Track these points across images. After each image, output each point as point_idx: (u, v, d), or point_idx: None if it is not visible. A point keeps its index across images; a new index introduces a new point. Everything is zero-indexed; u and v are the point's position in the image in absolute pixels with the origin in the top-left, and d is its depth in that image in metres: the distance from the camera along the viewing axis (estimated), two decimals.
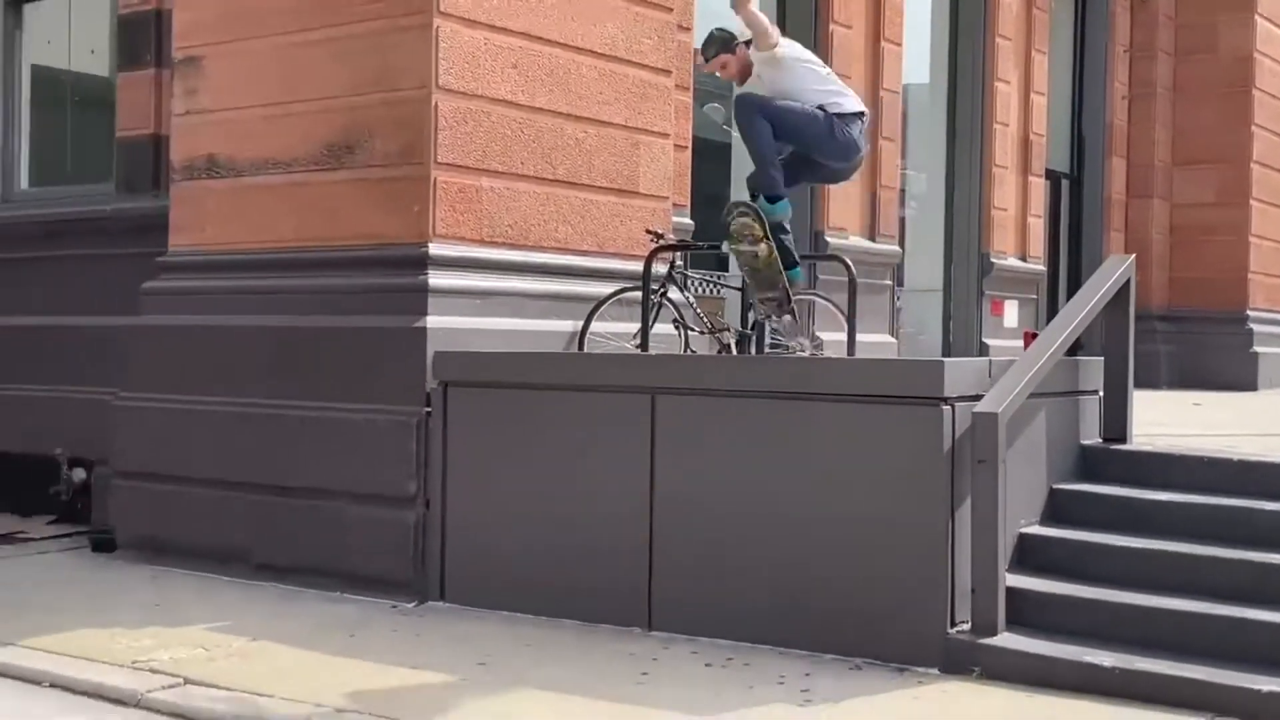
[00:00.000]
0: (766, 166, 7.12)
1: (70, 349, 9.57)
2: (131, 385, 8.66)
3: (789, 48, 7.24)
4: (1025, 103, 15.25)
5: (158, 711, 5.54)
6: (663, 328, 8.44)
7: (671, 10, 9.24)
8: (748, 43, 7.14)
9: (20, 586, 8.01)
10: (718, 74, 7.52)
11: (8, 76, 11.03)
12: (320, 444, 7.70)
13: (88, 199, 10.17)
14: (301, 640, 6.55)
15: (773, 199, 7.14)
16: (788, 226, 7.54)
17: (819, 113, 7.09)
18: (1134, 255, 7.57)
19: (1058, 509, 6.70)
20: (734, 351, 8.71)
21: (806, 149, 7.47)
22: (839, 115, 7.11)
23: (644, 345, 8.13)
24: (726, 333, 9.07)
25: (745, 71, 7.30)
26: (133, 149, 9.60)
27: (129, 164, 9.66)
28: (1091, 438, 7.22)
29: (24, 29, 11.06)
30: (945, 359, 6.86)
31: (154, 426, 8.44)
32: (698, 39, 10.32)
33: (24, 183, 11.06)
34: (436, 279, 7.59)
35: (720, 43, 7.29)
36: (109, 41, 10.36)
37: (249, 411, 7.97)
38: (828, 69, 7.51)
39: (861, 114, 7.36)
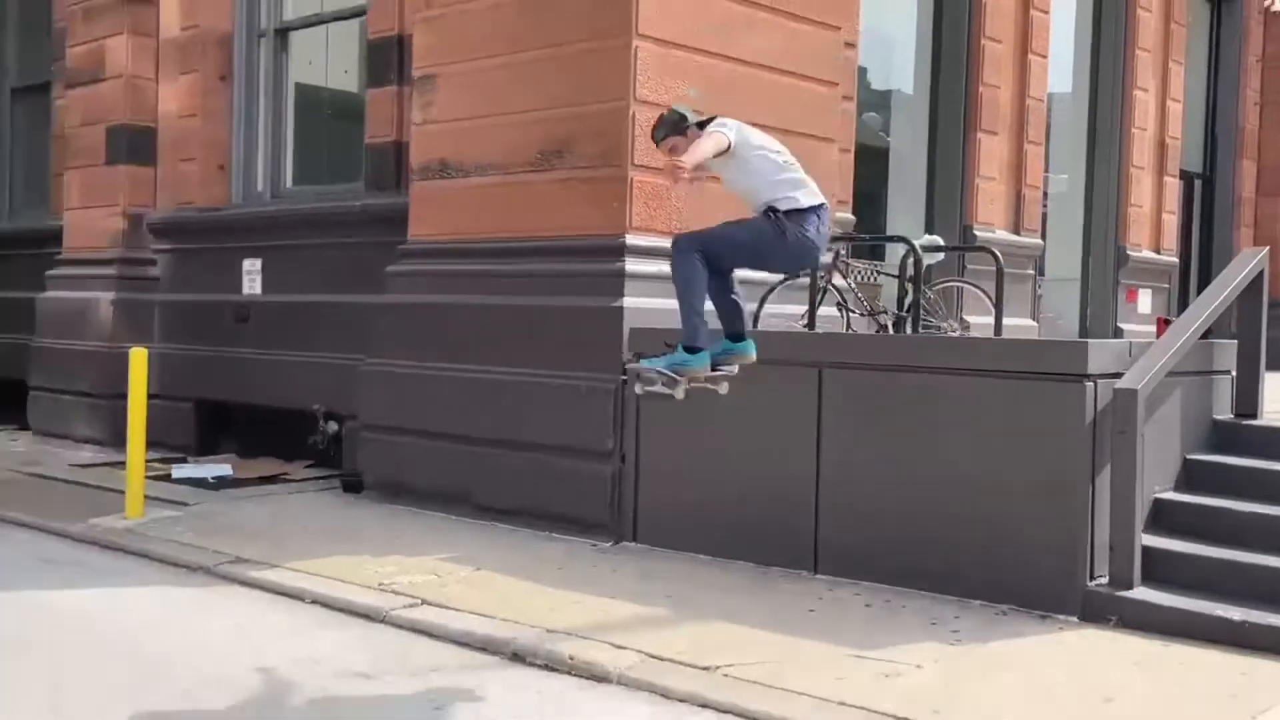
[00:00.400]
0: (689, 314, 5.42)
1: (326, 321, 9.83)
2: (377, 352, 8.88)
3: (740, 140, 5.40)
4: (1162, 109, 14.61)
5: (399, 627, 5.74)
6: (827, 310, 8.34)
7: (839, 29, 9.06)
8: (700, 124, 5.46)
9: (284, 518, 8.34)
10: (667, 156, 5.65)
11: (277, 92, 11.37)
12: (533, 405, 7.79)
13: (341, 195, 10.41)
14: (517, 571, 6.69)
15: (692, 349, 5.38)
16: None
17: (765, 222, 5.40)
18: (1267, 248, 7.22)
19: (1191, 476, 6.46)
20: (890, 331, 8.55)
21: (759, 266, 6.11)
22: (790, 212, 5.36)
23: (811, 325, 8.04)
24: (884, 314, 8.93)
25: None
26: (378, 153, 9.78)
27: (375, 166, 9.85)
28: (1224, 413, 6.93)
29: (289, 53, 11.38)
30: (1089, 340, 6.59)
31: (395, 387, 8.65)
32: (863, 55, 10.17)
33: (289, 182, 11.38)
34: (632, 265, 7.60)
35: (670, 125, 5.56)
36: (359, 63, 10.58)
37: (473, 376, 8.11)
38: (785, 155, 5.62)
39: (818, 207, 5.48)
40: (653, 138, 5.67)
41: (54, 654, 5.46)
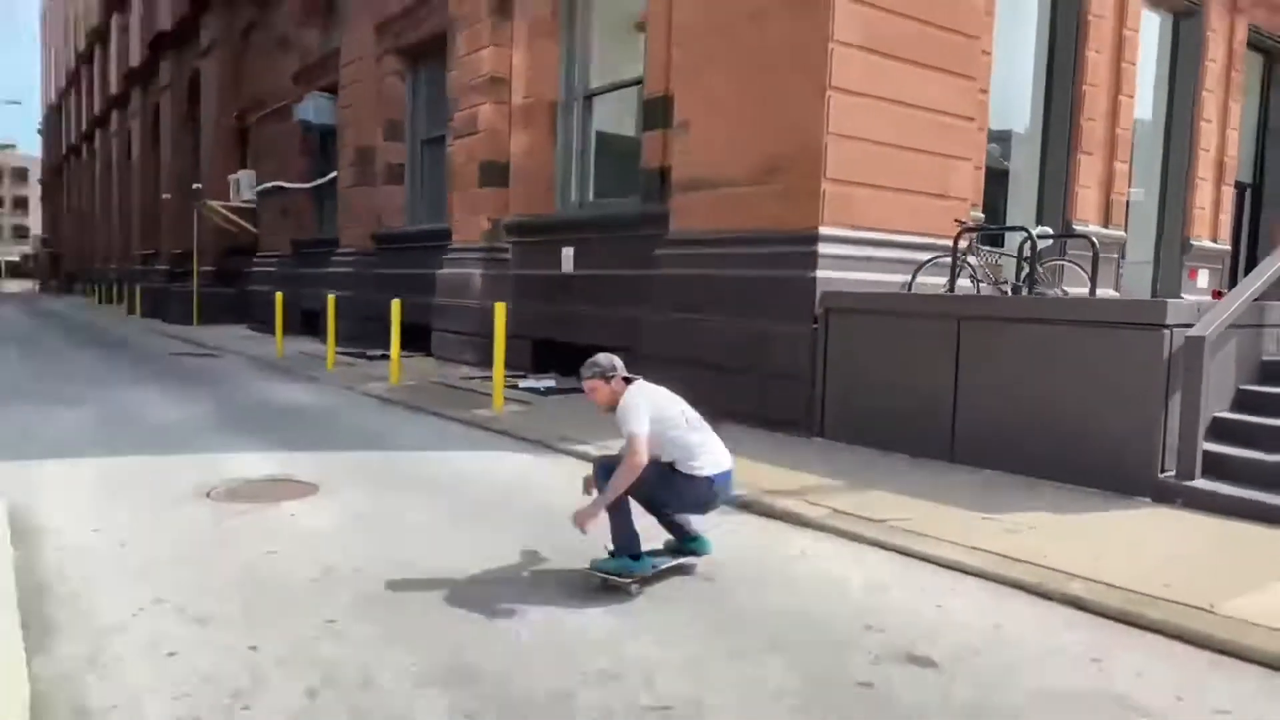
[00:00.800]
0: (620, 531, 4.02)
1: (615, 287, 10.06)
2: (651, 308, 9.07)
3: (653, 427, 3.96)
4: (1222, 135, 13.12)
5: None
6: (962, 281, 8.00)
7: (974, 79, 8.61)
8: (627, 379, 4.16)
9: (588, 415, 8.50)
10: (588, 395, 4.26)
11: (584, 136, 11.70)
12: (755, 344, 7.80)
13: (625, 205, 10.62)
14: (747, 454, 6.58)
15: (634, 557, 4.03)
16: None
17: (661, 476, 4.02)
18: None
19: (1243, 401, 5.96)
20: (1011, 294, 8.14)
21: (660, 507, 4.19)
22: (689, 476, 4.02)
23: (951, 290, 7.76)
24: (1005, 284, 8.50)
25: (612, 402, 4.09)
26: (649, 175, 9.91)
27: (647, 184, 9.98)
28: (1271, 356, 6.31)
29: (593, 110, 11.67)
30: (1168, 299, 6.09)
31: (662, 330, 8.85)
32: (993, 98, 9.59)
33: (591, 196, 11.70)
34: (823, 249, 7.51)
35: (601, 370, 4.14)
36: (637, 115, 10.71)
37: (715, 323, 8.19)
38: (693, 422, 4.12)
39: (716, 475, 4.05)
40: (579, 371, 4.26)
41: (454, 490, 5.92)
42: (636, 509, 4.07)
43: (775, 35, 7.79)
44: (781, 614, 3.83)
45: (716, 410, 8.11)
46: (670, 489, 4.01)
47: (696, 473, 3.99)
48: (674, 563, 4.23)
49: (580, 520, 3.91)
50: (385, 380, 10.80)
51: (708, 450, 4.05)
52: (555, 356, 11.27)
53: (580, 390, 10.23)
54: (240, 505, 5.33)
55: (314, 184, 18.46)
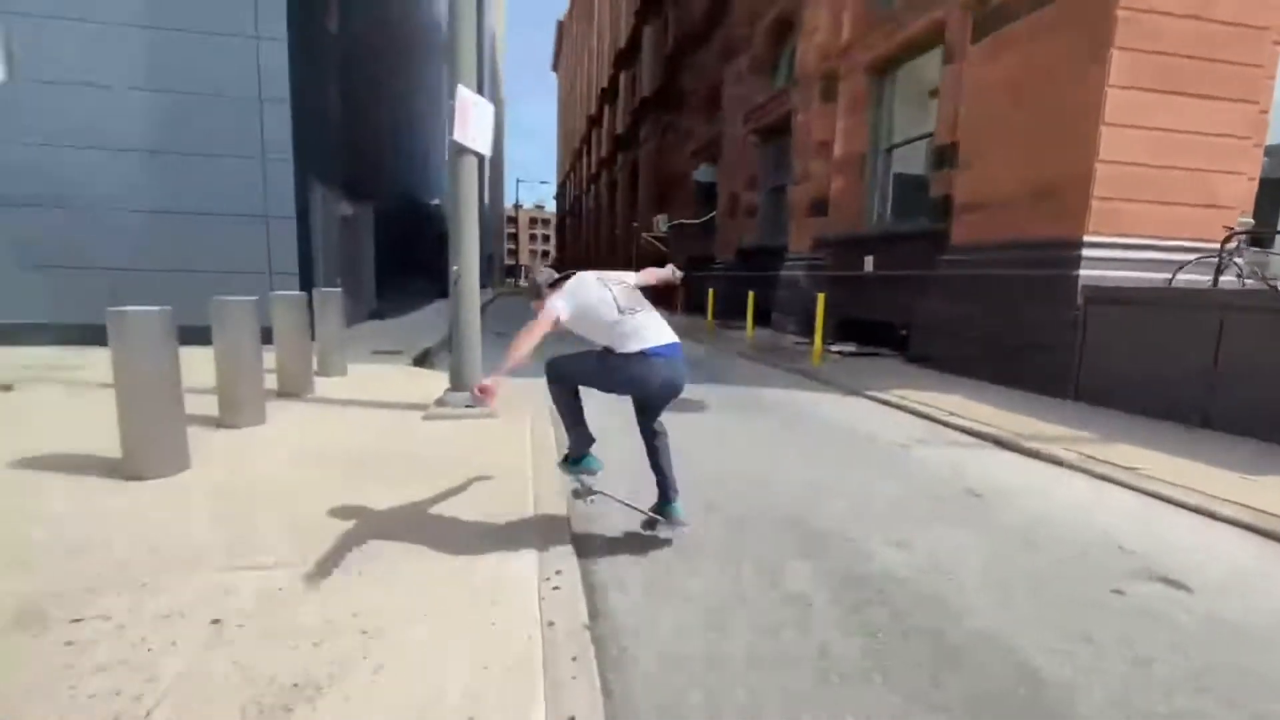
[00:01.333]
0: (569, 431, 3.06)
1: (902, 283, 9.17)
2: (928, 297, 8.22)
3: (573, 314, 2.81)
4: None
5: (938, 422, 5.37)
6: (1225, 278, 6.11)
7: (1258, 102, 6.39)
8: (552, 284, 2.93)
9: (879, 371, 8.03)
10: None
11: (884, 178, 10.75)
12: (1023, 325, 6.74)
13: (911, 225, 9.61)
14: (1003, 406, 5.94)
15: (578, 458, 3.10)
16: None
17: (597, 358, 2.87)
18: None
19: None
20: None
21: (604, 389, 2.89)
22: (619, 354, 2.80)
23: (1215, 285, 5.96)
24: (1275, 281, 6.31)
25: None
26: (935, 203, 8.83)
27: (933, 209, 8.93)
28: None
29: (892, 158, 10.66)
30: None
31: (935, 310, 7.98)
32: (1274, 117, 7.06)
33: (890, 217, 10.72)
34: (1086, 253, 6.23)
35: (532, 291, 2.95)
36: (925, 158, 9.60)
37: (982, 309, 7.18)
38: (624, 304, 2.85)
39: (648, 349, 2.79)
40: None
41: (780, 409, 5.78)
42: (636, 471, 3.16)
43: (1054, 88, 6.50)
44: (1036, 525, 3.38)
45: (986, 374, 7.25)
46: (606, 371, 2.82)
47: (629, 349, 2.80)
48: (647, 515, 3.10)
49: (482, 390, 2.64)
50: (743, 342, 10.98)
51: (641, 329, 2.83)
52: (855, 330, 10.63)
53: (873, 354, 9.74)
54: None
55: (701, 220, 18.99)
